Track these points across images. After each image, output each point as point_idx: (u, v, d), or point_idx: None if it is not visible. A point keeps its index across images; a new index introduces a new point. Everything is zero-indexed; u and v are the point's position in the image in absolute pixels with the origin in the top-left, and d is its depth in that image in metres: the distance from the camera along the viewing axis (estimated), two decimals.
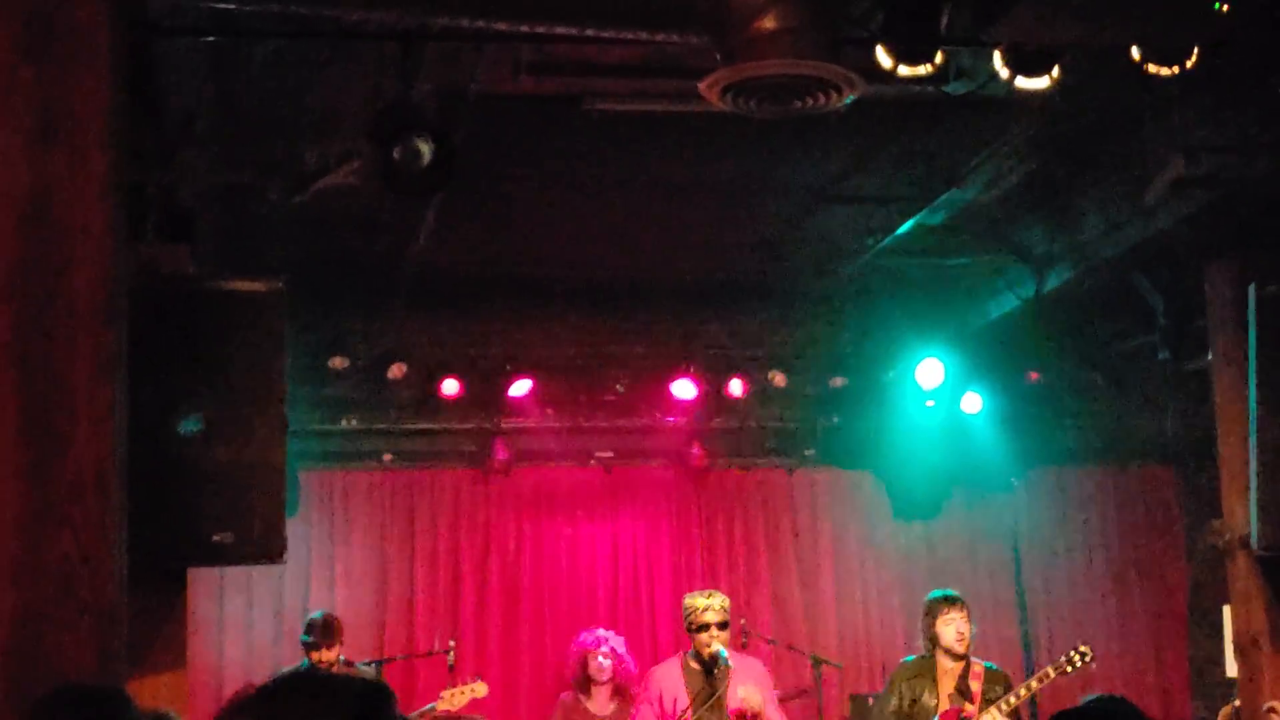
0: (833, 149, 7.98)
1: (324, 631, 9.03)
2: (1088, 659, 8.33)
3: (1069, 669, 8.31)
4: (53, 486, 3.89)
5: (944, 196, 8.48)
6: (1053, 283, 9.40)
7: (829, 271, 10.21)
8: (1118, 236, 8.47)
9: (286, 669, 9.21)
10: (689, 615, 8.26)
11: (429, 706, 9.19)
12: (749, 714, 8.09)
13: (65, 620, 3.86)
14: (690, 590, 8.79)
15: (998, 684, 8.33)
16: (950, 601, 8.36)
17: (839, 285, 10.45)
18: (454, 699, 9.16)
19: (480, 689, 9.25)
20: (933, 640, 8.30)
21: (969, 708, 8.21)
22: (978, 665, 8.34)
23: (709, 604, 8.21)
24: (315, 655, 8.99)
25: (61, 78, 4.11)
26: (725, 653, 8.11)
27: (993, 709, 8.15)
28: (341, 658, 9.14)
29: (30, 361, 3.93)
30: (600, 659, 9.69)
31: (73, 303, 4.00)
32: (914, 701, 8.23)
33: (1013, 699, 8.25)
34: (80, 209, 4.05)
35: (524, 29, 5.47)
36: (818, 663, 9.50)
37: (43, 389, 3.93)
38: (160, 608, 5.79)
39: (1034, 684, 8.29)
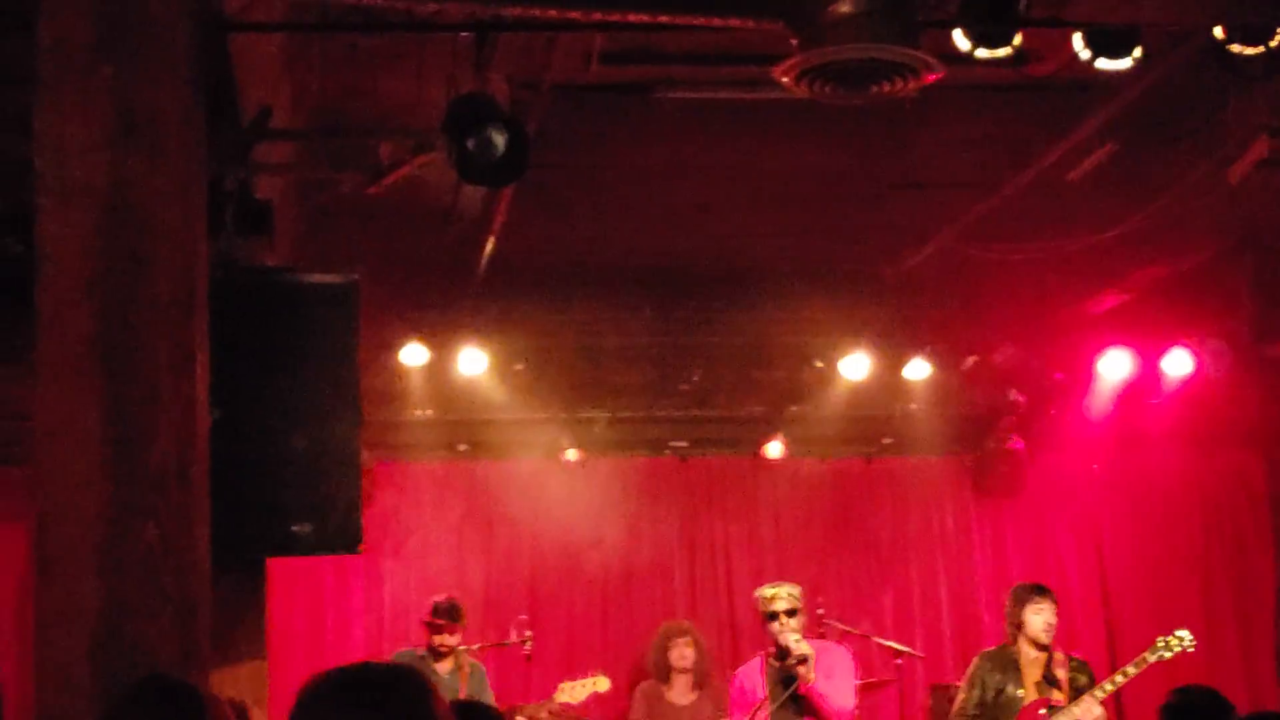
0: (909, 134, 7.91)
1: (448, 615, 9.05)
2: (1185, 644, 8.24)
3: (1166, 654, 8.23)
4: (137, 478, 3.93)
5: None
6: None
7: (905, 258, 10.13)
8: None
9: (403, 651, 9.28)
10: (761, 606, 8.24)
11: (549, 700, 9.16)
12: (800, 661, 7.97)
13: (149, 610, 3.89)
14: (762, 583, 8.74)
15: (1082, 674, 8.26)
16: (1040, 591, 8.31)
17: (917, 271, 10.36)
18: (574, 692, 9.10)
19: (602, 683, 9.20)
20: (1017, 629, 8.23)
21: (1057, 696, 8.14)
22: (1060, 655, 8.28)
23: (777, 592, 8.19)
24: (438, 639, 9.00)
25: (139, 75, 4.14)
26: (798, 640, 8.05)
27: (1088, 696, 8.08)
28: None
29: (114, 355, 3.97)
30: (683, 648, 9.68)
31: (154, 296, 4.03)
32: (999, 693, 8.15)
33: (1109, 685, 8.17)
34: (159, 204, 4.09)
35: (597, 17, 5.46)
36: (897, 653, 9.47)
37: (126, 382, 3.96)
38: (241, 597, 5.85)
39: (1131, 670, 8.21)
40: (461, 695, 8.45)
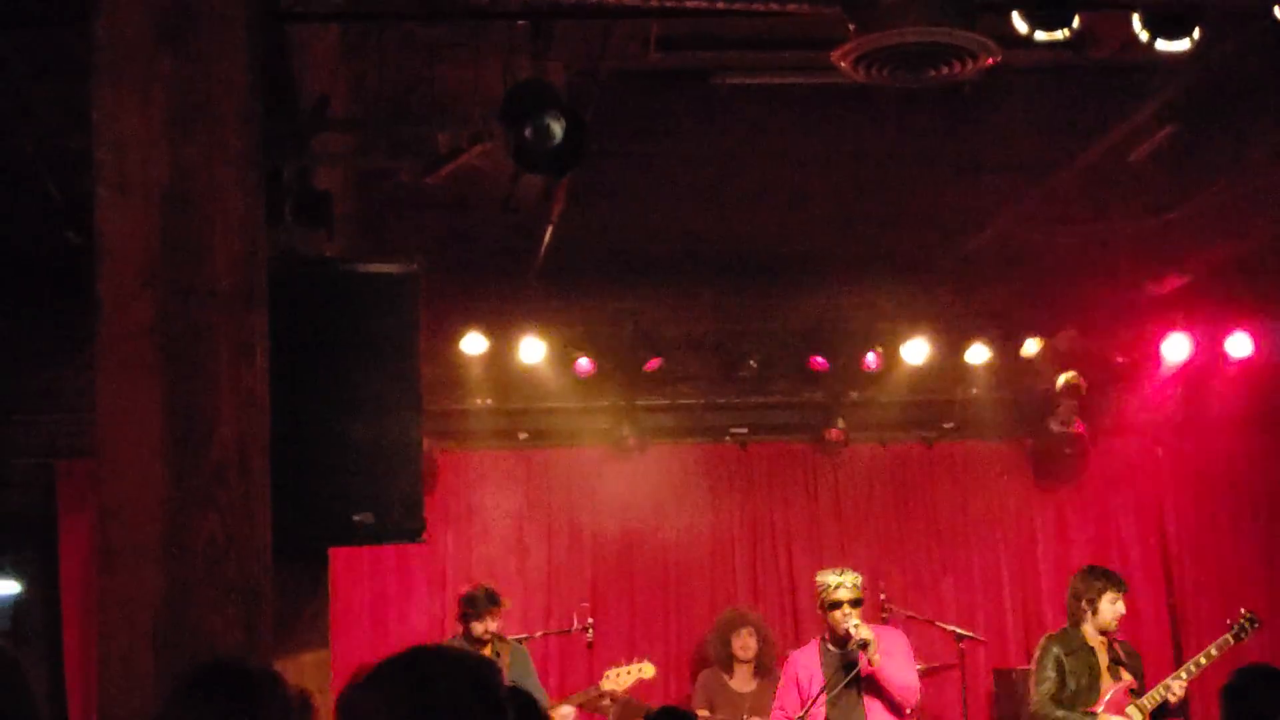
0: (968, 117, 7.85)
1: (485, 602, 9.08)
2: (1255, 624, 8.25)
3: (1244, 635, 8.23)
4: (198, 468, 3.96)
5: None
6: None
7: (964, 242, 10.07)
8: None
9: (452, 639, 9.32)
10: (821, 593, 8.23)
11: (593, 687, 9.17)
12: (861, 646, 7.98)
13: (212, 600, 3.92)
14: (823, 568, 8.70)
15: (1136, 660, 8.27)
16: (1119, 583, 8.29)
17: (977, 255, 10.29)
18: (619, 679, 9.10)
19: (648, 669, 9.19)
20: (1086, 613, 8.17)
21: (1128, 678, 8.12)
22: (1116, 641, 8.26)
23: (840, 581, 8.18)
24: (478, 626, 9.03)
25: (199, 66, 4.17)
26: (858, 625, 8.04)
27: (1172, 681, 8.07)
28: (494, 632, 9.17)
29: (174, 346, 4.00)
30: (746, 637, 9.67)
31: (214, 287, 4.06)
32: (1077, 677, 8.10)
33: (1194, 666, 8.17)
34: (219, 194, 4.11)
35: (655, 4, 5.44)
36: (960, 637, 9.44)
37: (187, 372, 3.99)
38: (303, 586, 5.89)
39: (1214, 651, 8.21)
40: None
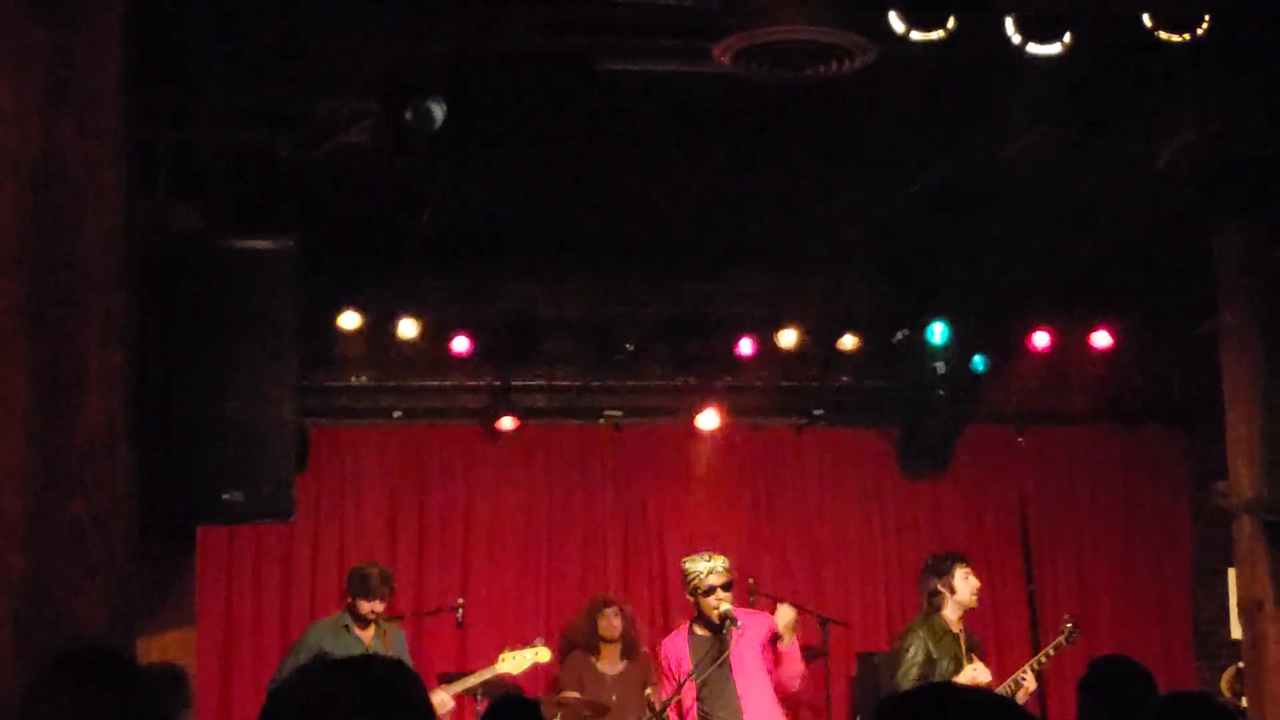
0: (844, 110, 7.95)
1: (379, 583, 9.00)
2: (1075, 632, 8.50)
3: (1072, 640, 8.46)
4: (64, 449, 3.92)
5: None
6: None
7: (840, 231, 10.19)
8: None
9: (321, 620, 9.26)
10: (691, 580, 8.32)
11: (487, 668, 9.10)
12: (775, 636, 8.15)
13: (75, 582, 3.89)
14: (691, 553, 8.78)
15: (980, 649, 8.48)
16: (964, 559, 8.45)
17: (852, 244, 10.43)
18: (516, 661, 9.06)
19: (544, 653, 9.16)
20: (943, 597, 8.31)
21: (983, 666, 8.30)
22: (963, 632, 8.41)
23: (711, 567, 8.29)
24: (367, 605, 8.92)
25: (73, 40, 4.11)
26: (730, 609, 8.18)
27: (1027, 669, 8.28)
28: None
29: (42, 325, 3.95)
30: (611, 618, 9.74)
31: (84, 266, 4.02)
32: (944, 663, 8.23)
33: (1036, 665, 8.39)
34: (91, 172, 4.06)
35: None
36: (825, 622, 9.57)
37: (54, 352, 3.95)
38: (170, 565, 5.85)
39: (1051, 652, 8.49)
40: None
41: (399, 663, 2.62)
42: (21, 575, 3.85)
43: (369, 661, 2.59)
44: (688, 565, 8.41)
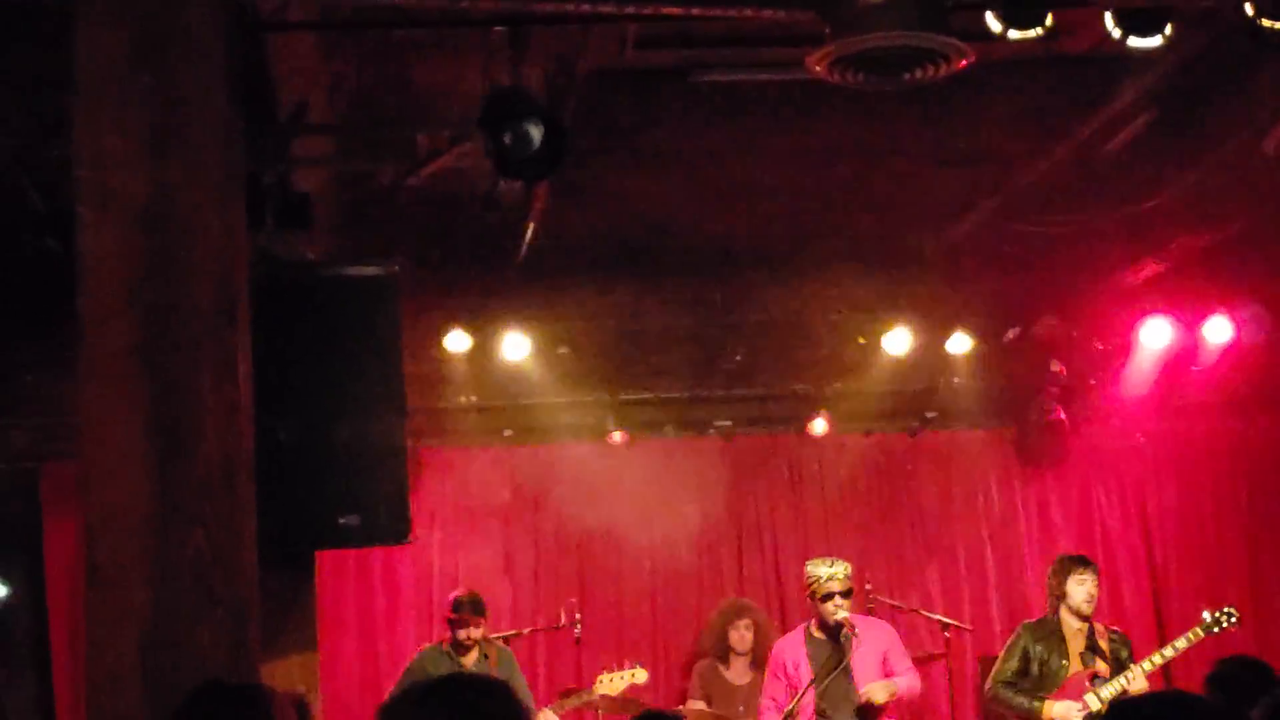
0: (947, 109, 7.88)
1: (472, 609, 9.11)
2: (1233, 620, 8.28)
3: (1215, 629, 8.27)
4: (183, 485, 3.98)
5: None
6: None
7: (945, 232, 10.10)
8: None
9: (428, 647, 9.35)
10: (812, 584, 8.30)
11: (585, 691, 9.15)
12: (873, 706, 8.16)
13: (198, 614, 3.95)
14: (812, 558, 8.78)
15: (1123, 646, 8.32)
16: (1083, 562, 8.37)
17: (957, 246, 10.33)
18: (612, 684, 9.08)
19: (640, 674, 9.15)
20: (1060, 599, 8.26)
21: (1101, 667, 8.17)
22: (1101, 627, 8.32)
23: (832, 573, 8.26)
24: (462, 633, 9.06)
25: (176, 82, 4.19)
26: (845, 618, 8.15)
27: (1135, 667, 8.12)
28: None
29: (156, 363, 4.02)
30: (743, 630, 9.71)
31: (196, 304, 4.08)
32: (1043, 663, 8.19)
33: (1157, 658, 8.22)
34: (199, 211, 4.14)
35: (630, 10, 5.46)
36: (945, 626, 9.49)
37: (169, 390, 4.02)
38: (290, 591, 5.93)
39: (1180, 644, 8.26)
40: None
41: (486, 683, 2.66)
42: (146, 610, 3.92)
43: (455, 683, 2.65)
44: (810, 568, 8.41)
